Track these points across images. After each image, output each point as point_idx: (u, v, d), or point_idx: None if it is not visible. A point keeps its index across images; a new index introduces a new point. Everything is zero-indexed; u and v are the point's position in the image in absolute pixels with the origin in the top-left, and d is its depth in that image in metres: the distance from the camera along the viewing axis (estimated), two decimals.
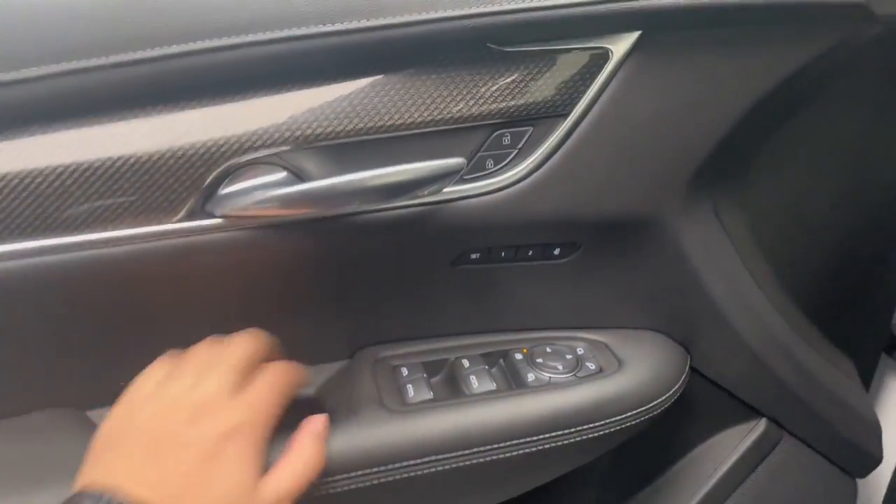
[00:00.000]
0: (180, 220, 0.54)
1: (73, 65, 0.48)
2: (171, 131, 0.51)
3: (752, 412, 0.81)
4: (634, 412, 0.66)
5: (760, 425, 0.81)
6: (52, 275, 0.52)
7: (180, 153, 0.51)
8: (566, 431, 0.63)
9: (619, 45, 0.57)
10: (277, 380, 0.53)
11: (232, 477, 0.46)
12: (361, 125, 0.54)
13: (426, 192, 0.56)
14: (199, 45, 0.49)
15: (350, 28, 0.51)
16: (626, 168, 0.61)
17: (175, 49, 0.49)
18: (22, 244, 0.51)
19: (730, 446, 0.82)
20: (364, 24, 0.51)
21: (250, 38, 0.50)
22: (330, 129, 0.54)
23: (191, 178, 0.52)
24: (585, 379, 0.66)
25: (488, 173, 0.59)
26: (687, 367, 0.72)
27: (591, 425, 0.64)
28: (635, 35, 0.56)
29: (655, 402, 0.67)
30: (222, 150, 0.52)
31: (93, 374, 0.60)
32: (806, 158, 0.71)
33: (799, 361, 0.76)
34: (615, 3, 0.54)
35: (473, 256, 0.64)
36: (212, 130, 0.52)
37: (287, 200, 0.53)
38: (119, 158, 0.50)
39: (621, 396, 0.65)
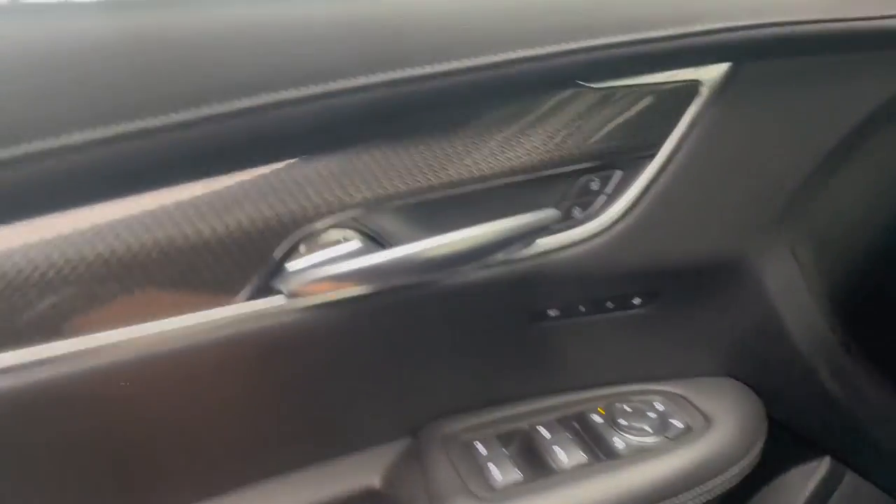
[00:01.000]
0: (240, 302, 0.45)
1: (111, 130, 0.38)
2: (230, 199, 0.43)
3: (815, 451, 0.77)
4: (730, 473, 0.60)
5: (825, 464, 0.77)
6: (79, 386, 0.42)
7: (243, 224, 0.43)
8: (666, 503, 0.57)
9: (710, 77, 0.52)
10: None
11: None
12: (443, 179, 0.47)
13: (517, 250, 0.50)
14: (260, 98, 0.41)
15: (429, 73, 0.44)
16: (715, 209, 0.56)
17: (233, 106, 0.40)
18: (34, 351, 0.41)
19: (796, 487, 0.77)
20: (445, 66, 0.44)
21: (319, 88, 0.42)
22: (408, 185, 0.47)
23: (256, 251, 0.44)
24: (677, 441, 0.60)
25: (575, 223, 0.53)
26: (765, 415, 0.67)
27: (690, 492, 0.58)
28: (726, 66, 0.52)
29: (748, 459, 0.62)
30: (292, 216, 0.44)
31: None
32: (867, 183, 0.68)
33: (866, 398, 0.72)
34: (707, 35, 0.49)
35: (552, 313, 0.58)
36: (279, 195, 0.44)
37: (369, 271, 0.46)
38: (168, 235, 0.42)
39: (716, 457, 0.60)
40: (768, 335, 0.65)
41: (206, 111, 0.38)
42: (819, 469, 0.77)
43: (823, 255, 0.68)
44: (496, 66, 0.45)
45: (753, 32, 0.49)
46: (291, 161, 0.44)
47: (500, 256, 0.50)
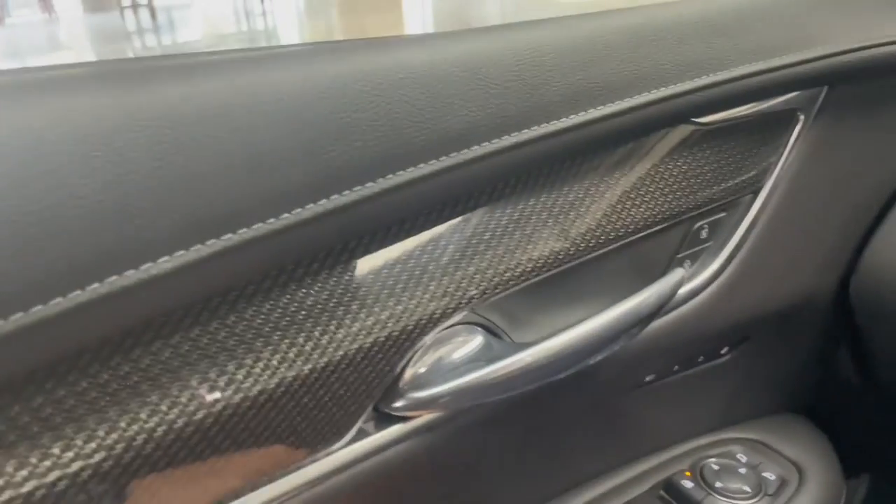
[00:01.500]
0: (351, 442, 0.35)
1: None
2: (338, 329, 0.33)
3: (854, 470, 0.75)
4: None
5: (864, 482, 0.75)
6: None
7: (352, 350, 0.33)
8: None
9: (806, 104, 0.47)
10: None
11: None
12: (567, 248, 0.39)
13: (651, 322, 0.42)
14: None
15: (562, 127, 0.35)
16: (814, 243, 0.51)
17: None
18: None
19: None
20: (576, 119, 0.36)
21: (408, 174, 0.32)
22: (533, 263, 0.38)
23: (369, 378, 0.34)
24: (778, 497, 0.55)
25: (686, 279, 0.46)
26: (832, 448, 0.64)
27: None
28: (820, 91, 0.47)
29: (845, 499, 0.58)
30: (405, 327, 0.35)
31: None
32: None
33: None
34: (809, 63, 0.44)
35: (648, 378, 0.51)
36: (385, 306, 0.34)
37: (503, 376, 0.37)
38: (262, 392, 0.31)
39: None
40: (837, 367, 0.61)
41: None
42: (860, 486, 0.75)
43: None
44: (627, 111, 0.37)
45: (852, 56, 0.45)
46: (391, 260, 0.35)
47: (635, 332, 0.42)
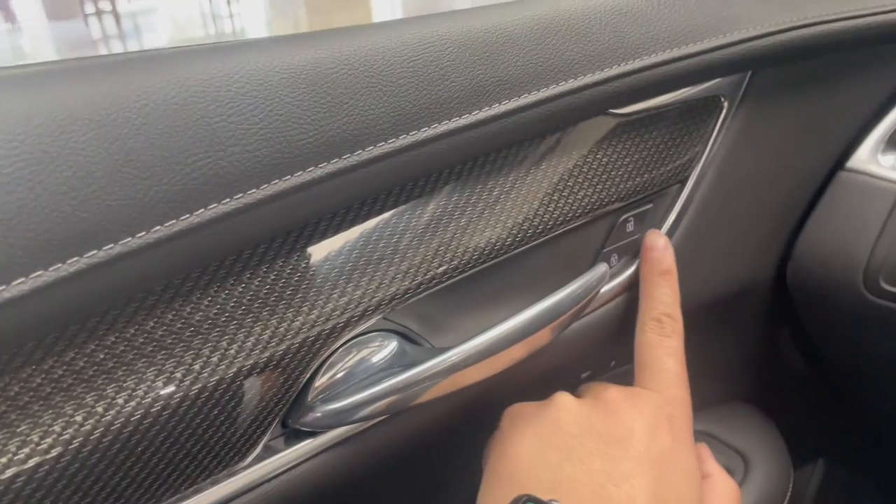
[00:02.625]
0: (256, 461, 0.34)
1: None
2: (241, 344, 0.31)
3: (809, 454, 0.75)
4: None
5: (819, 466, 0.75)
6: None
7: (246, 367, 0.32)
8: None
9: (728, 89, 0.46)
10: (676, 350, 0.43)
11: (690, 489, 0.37)
12: (483, 248, 0.38)
13: (575, 320, 0.42)
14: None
15: (462, 124, 0.34)
16: (743, 232, 0.51)
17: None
18: None
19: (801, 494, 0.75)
20: (477, 116, 0.34)
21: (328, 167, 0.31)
22: (448, 264, 0.37)
23: (269, 393, 0.33)
24: None
25: (612, 272, 0.45)
26: (779, 434, 0.63)
27: None
28: (743, 77, 0.46)
29: (791, 486, 0.57)
30: (307, 338, 0.33)
31: None
32: None
33: (865, 402, 0.71)
34: (732, 46, 0.43)
35: (584, 376, 0.50)
36: (283, 318, 0.33)
37: (419, 383, 0.36)
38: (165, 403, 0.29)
39: (769, 496, 0.55)
40: (781, 355, 0.61)
41: None
42: (815, 471, 0.75)
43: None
44: (533, 105, 0.36)
45: (772, 39, 0.44)
46: (289, 265, 0.33)
47: (561, 329, 0.41)
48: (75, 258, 0.25)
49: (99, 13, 7.39)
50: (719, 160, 0.47)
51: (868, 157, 0.52)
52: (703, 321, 0.54)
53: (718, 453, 0.58)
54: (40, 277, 0.24)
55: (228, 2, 7.80)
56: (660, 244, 0.45)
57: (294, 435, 0.35)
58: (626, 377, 0.53)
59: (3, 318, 0.23)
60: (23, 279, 0.24)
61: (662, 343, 0.42)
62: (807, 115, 0.50)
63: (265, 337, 0.32)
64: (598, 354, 0.49)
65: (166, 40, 7.30)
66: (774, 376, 0.64)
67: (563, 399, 0.39)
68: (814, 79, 0.49)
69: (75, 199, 0.25)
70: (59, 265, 0.24)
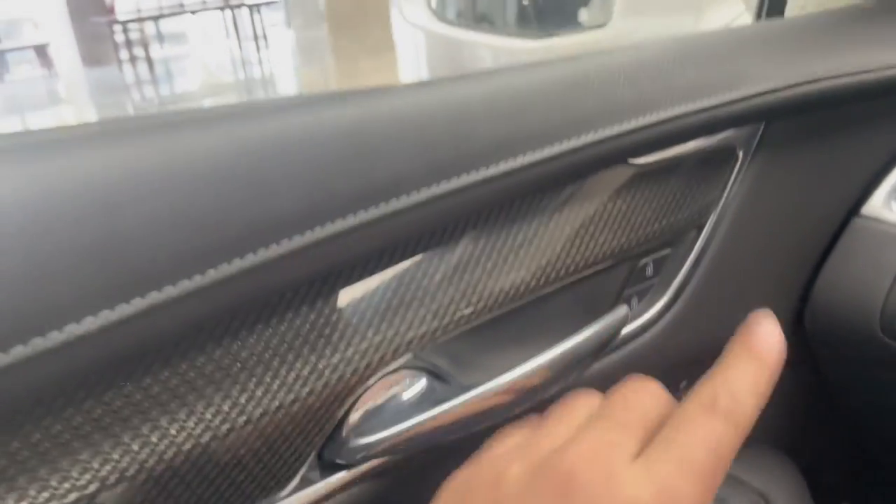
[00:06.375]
0: (293, 492, 0.36)
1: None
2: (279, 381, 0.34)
3: (834, 497, 0.75)
4: None
5: None
6: None
7: (288, 401, 0.34)
8: None
9: (743, 139, 0.48)
10: (716, 437, 0.30)
11: None
12: (507, 291, 0.40)
13: (595, 360, 0.43)
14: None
15: (491, 175, 0.36)
16: (759, 276, 0.52)
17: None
18: None
19: None
20: (506, 166, 0.37)
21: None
22: (474, 306, 0.39)
23: (308, 427, 0.35)
24: None
25: (633, 314, 0.47)
26: (802, 478, 0.64)
27: None
28: (758, 127, 0.48)
29: None
30: (342, 376, 0.35)
31: None
32: None
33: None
34: (740, 101, 0.45)
35: None
36: (322, 355, 0.35)
37: (447, 421, 0.37)
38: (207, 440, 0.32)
39: None
40: (804, 398, 0.62)
41: None
42: None
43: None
44: (557, 156, 0.39)
45: (784, 93, 0.46)
46: (335, 306, 0.36)
47: (582, 368, 0.43)
48: (154, 292, 0.27)
49: (133, 59, 7.63)
50: (736, 206, 0.49)
51: (882, 204, 0.54)
52: None
53: (740, 494, 0.59)
54: (126, 309, 0.26)
55: (258, 48, 8.02)
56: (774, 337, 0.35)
57: (329, 467, 0.37)
58: None
59: (78, 353, 0.26)
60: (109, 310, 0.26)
61: (706, 423, 0.30)
62: (821, 164, 0.52)
63: (304, 373, 0.34)
64: None
65: (197, 85, 7.50)
66: (795, 418, 0.65)
67: (502, 468, 0.31)
68: (827, 128, 0.51)
69: (146, 242, 0.27)
70: (123, 304, 0.27)
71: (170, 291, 0.28)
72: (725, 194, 0.49)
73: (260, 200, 0.30)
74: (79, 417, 0.29)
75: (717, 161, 0.48)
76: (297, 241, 0.31)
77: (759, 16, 0.72)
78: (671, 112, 0.42)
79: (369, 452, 0.37)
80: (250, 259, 0.29)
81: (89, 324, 0.26)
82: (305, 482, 0.36)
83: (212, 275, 0.29)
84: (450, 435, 0.38)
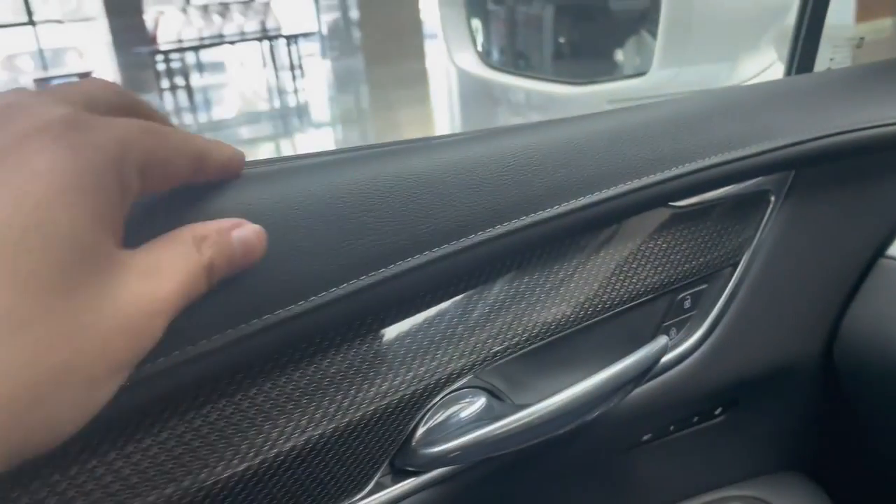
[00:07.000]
0: (369, 495, 0.40)
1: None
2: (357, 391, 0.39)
3: None
4: None
5: None
6: None
7: (369, 412, 0.39)
8: None
9: (777, 185, 0.53)
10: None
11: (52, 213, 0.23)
12: (558, 320, 0.45)
13: (638, 385, 0.47)
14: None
15: (548, 216, 0.41)
16: (792, 310, 0.56)
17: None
18: None
19: None
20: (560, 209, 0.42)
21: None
22: (528, 333, 0.44)
23: (384, 436, 0.40)
24: None
25: (672, 344, 0.51)
26: None
27: None
28: (790, 174, 0.53)
29: None
30: (416, 391, 0.40)
31: None
32: None
33: None
34: (771, 152, 0.49)
35: (645, 438, 0.56)
36: (398, 373, 0.40)
37: (503, 436, 0.42)
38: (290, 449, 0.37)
39: None
40: (823, 425, 0.65)
41: None
42: None
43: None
44: (604, 201, 0.43)
45: (811, 145, 0.50)
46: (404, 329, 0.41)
47: (624, 393, 0.47)
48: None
49: (173, 88, 7.85)
50: (768, 246, 0.53)
51: None
52: (754, 394, 0.59)
53: None
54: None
55: (293, 77, 8.21)
56: None
57: (400, 474, 0.42)
58: (684, 442, 0.59)
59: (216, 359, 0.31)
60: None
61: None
62: (849, 207, 0.56)
63: (383, 389, 0.39)
64: (659, 418, 0.55)
65: (234, 112, 7.68)
66: (824, 447, 0.68)
67: None
68: (854, 174, 0.55)
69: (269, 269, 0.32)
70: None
71: (291, 309, 0.33)
72: (759, 234, 0.53)
73: (359, 237, 0.35)
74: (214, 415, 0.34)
75: (752, 204, 0.52)
76: (383, 273, 0.36)
77: (789, 70, 0.77)
78: (707, 161, 0.47)
79: (436, 461, 0.41)
80: (353, 284, 0.34)
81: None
82: (379, 487, 0.41)
83: (313, 301, 0.34)
84: (505, 447, 0.43)
